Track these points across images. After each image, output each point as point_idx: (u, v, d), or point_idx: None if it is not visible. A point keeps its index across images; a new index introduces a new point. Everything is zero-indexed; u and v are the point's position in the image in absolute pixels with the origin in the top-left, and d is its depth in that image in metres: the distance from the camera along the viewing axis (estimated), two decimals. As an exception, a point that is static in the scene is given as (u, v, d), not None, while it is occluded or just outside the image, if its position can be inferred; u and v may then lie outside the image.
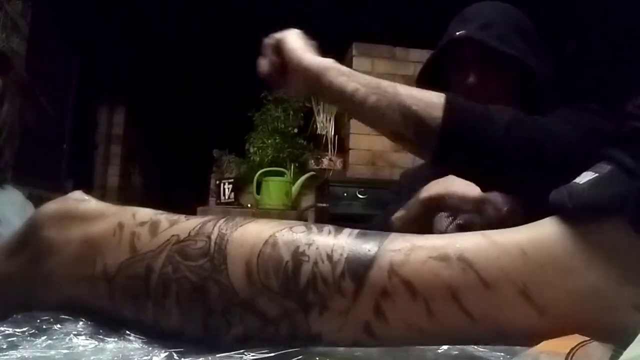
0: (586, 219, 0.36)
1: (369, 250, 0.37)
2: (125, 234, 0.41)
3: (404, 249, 0.37)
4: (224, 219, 0.41)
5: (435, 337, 0.35)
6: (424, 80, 0.90)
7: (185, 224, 0.41)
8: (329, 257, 0.37)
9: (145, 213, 0.43)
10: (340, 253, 0.37)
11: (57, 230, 0.43)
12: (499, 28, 0.83)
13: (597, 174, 0.36)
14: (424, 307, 0.36)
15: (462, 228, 0.76)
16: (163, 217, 0.42)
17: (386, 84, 0.64)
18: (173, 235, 0.40)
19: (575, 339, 0.33)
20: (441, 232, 0.79)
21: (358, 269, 0.36)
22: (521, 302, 0.35)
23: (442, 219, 0.81)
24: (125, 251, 0.41)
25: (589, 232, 0.36)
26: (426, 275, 0.36)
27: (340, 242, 0.38)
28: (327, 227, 0.40)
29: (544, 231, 0.37)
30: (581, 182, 0.37)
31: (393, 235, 0.39)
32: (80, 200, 0.45)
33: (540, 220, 0.39)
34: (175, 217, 0.43)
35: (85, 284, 0.42)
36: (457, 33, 0.83)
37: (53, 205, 0.45)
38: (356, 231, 0.39)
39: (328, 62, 0.67)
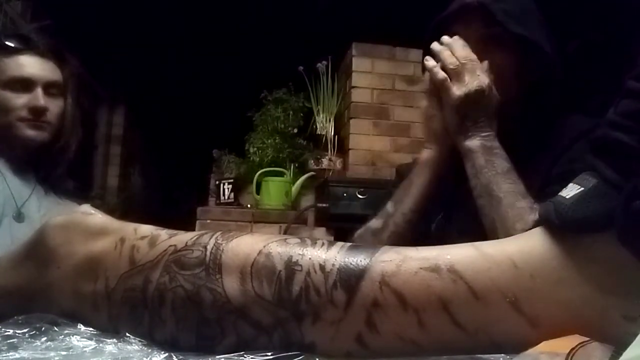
0: (574, 234, 0.36)
1: (360, 261, 0.38)
2: (125, 247, 0.42)
3: (395, 260, 0.38)
4: (221, 232, 0.42)
5: (427, 349, 0.36)
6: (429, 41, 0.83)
7: (183, 236, 0.42)
8: (322, 267, 0.37)
9: (146, 228, 0.44)
10: (333, 263, 0.37)
11: (61, 243, 0.44)
12: (514, 3, 0.77)
13: (582, 188, 0.36)
14: (415, 319, 0.36)
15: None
16: (163, 232, 0.43)
17: (496, 191, 0.69)
18: (170, 246, 0.41)
19: (575, 339, 0.33)
20: (452, 128, 0.77)
21: (350, 280, 0.37)
22: (512, 314, 0.35)
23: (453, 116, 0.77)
24: (125, 264, 0.41)
25: (577, 245, 0.36)
26: (417, 286, 0.36)
27: (333, 254, 0.38)
28: (321, 240, 0.40)
29: (535, 243, 0.38)
30: (567, 197, 0.37)
31: (385, 247, 0.39)
32: (87, 214, 0.46)
33: (530, 231, 0.39)
34: (175, 231, 0.44)
35: (86, 299, 0.42)
36: None
37: (60, 218, 0.46)
38: (348, 244, 0.40)
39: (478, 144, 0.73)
